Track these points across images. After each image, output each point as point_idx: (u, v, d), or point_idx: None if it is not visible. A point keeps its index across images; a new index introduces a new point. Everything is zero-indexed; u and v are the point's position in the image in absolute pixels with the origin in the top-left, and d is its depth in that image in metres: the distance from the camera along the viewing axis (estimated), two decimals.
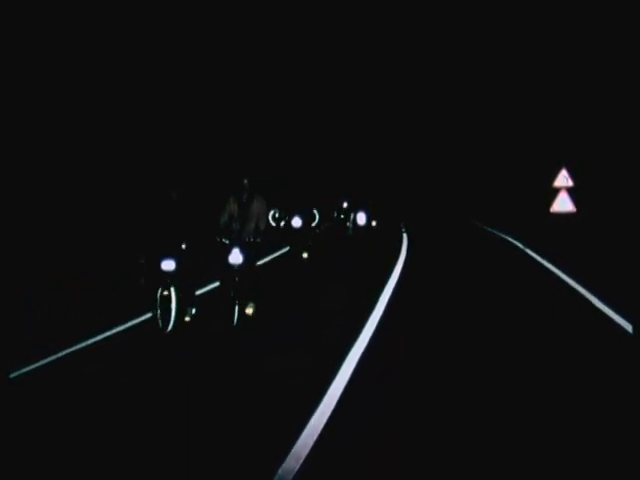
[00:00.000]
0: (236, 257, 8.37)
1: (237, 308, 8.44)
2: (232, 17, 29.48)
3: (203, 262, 9.09)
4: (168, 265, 8.16)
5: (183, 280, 8.33)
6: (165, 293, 8.20)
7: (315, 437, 4.88)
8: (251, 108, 30.96)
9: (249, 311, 8.62)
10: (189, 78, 26.15)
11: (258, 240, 8.55)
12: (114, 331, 8.59)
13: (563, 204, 18.82)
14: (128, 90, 22.22)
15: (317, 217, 17.16)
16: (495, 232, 24.30)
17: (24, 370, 6.89)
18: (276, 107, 34.16)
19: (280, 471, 4.35)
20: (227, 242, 8.45)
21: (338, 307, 10.14)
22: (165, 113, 24.10)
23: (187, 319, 8.54)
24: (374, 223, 25.07)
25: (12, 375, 6.66)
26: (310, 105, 39.68)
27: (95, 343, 8.04)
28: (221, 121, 28.37)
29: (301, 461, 4.49)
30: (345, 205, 22.95)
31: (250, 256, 8.51)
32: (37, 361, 7.18)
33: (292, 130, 36.40)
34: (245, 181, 8.56)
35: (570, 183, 18.89)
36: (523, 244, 18.68)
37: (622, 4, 25.04)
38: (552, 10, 32.31)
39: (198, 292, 9.59)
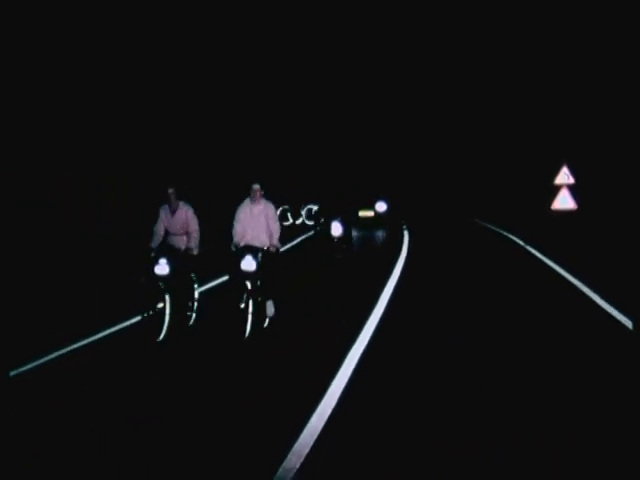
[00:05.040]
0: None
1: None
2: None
3: None
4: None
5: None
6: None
7: (315, 436, 4.88)
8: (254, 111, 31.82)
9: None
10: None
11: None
12: (115, 329, 8.60)
13: (564, 201, 18.80)
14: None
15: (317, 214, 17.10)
16: (496, 229, 24.26)
17: (24, 368, 6.88)
18: (277, 107, 34.32)
19: (281, 469, 4.35)
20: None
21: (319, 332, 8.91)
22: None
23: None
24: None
25: (12, 373, 6.65)
26: (305, 103, 39.71)
27: (96, 341, 8.04)
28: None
29: (301, 459, 4.48)
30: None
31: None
32: (36, 360, 7.17)
33: (287, 129, 36.65)
34: None
35: (571, 180, 18.87)
36: (524, 241, 18.66)
37: (622, 3, 25.00)
38: (552, 8, 32.26)
39: None
